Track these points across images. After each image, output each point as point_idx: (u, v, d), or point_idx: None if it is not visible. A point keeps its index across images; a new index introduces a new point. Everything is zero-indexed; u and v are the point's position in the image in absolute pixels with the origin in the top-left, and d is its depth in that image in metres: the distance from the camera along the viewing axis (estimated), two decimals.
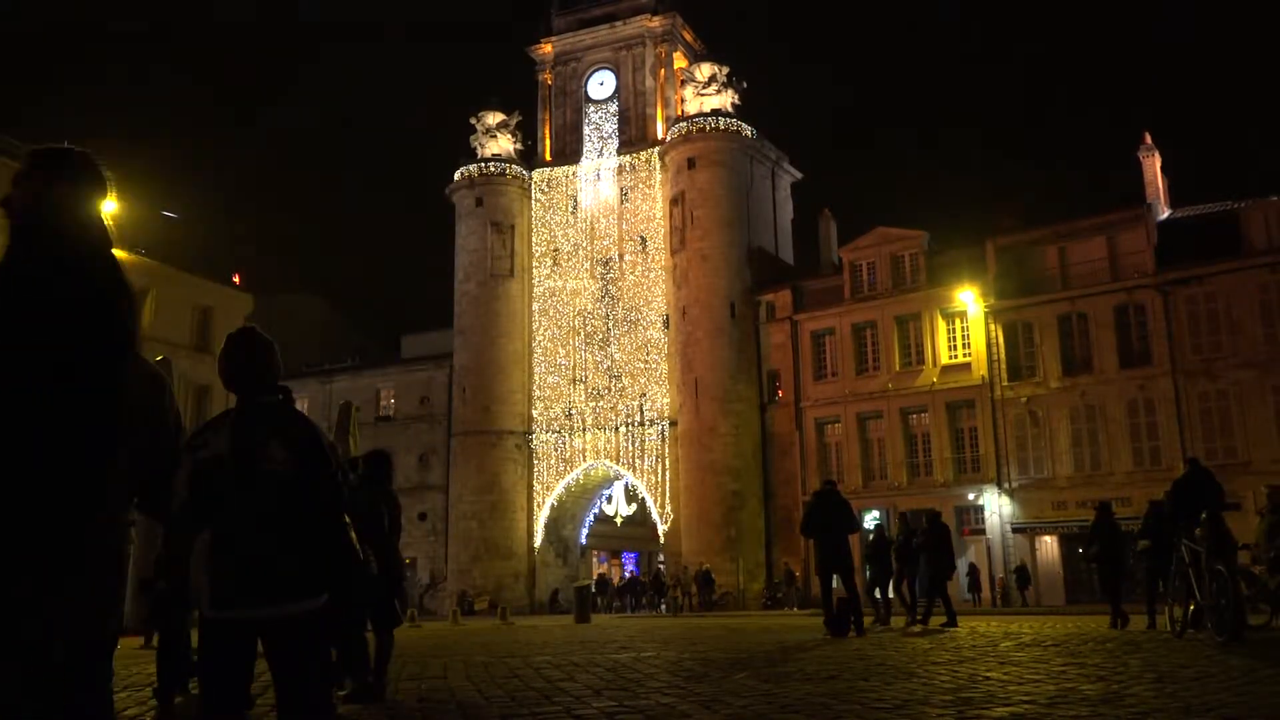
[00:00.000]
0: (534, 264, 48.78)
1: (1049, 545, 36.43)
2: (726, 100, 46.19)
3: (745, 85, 47.17)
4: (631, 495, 47.59)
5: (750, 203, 45.65)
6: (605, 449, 45.73)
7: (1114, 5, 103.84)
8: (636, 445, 45.11)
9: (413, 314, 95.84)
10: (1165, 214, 38.66)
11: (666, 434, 44.38)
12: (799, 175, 50.85)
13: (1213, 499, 11.82)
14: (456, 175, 49.56)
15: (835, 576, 14.09)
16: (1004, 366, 37.37)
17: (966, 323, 38.45)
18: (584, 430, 46.15)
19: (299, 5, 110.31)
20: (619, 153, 48.39)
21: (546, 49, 51.18)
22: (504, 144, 49.85)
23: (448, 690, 7.69)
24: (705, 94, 46.16)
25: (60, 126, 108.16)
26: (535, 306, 48.29)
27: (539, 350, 47.83)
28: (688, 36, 50.82)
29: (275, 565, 3.53)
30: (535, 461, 46.93)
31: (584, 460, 46.15)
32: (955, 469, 38.12)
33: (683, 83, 47.63)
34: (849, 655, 9.92)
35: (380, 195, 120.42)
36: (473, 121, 50.45)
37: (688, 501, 42.48)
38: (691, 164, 44.83)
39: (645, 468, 44.82)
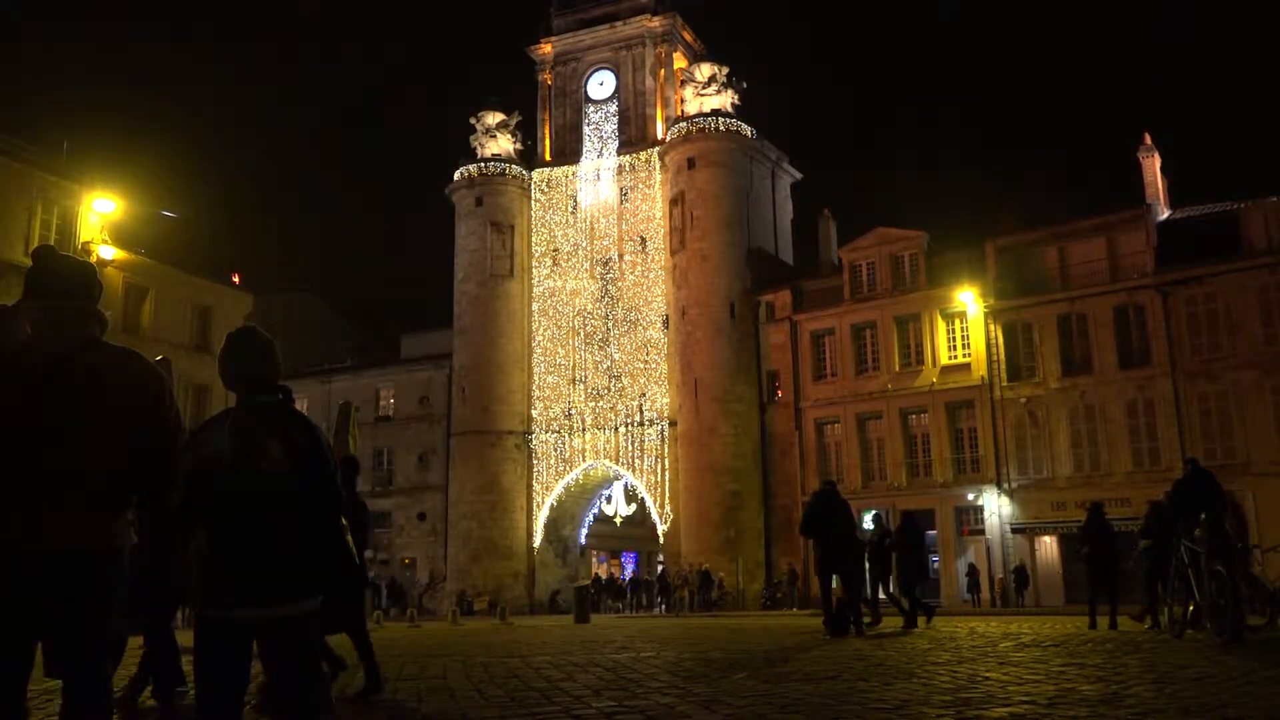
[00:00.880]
0: (534, 264, 48.77)
1: (1048, 546, 36.41)
2: (726, 100, 46.18)
3: (745, 85, 47.18)
4: (631, 495, 47.58)
5: (750, 203, 45.63)
6: (605, 449, 45.72)
7: (1114, 5, 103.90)
8: (636, 445, 45.11)
9: (412, 314, 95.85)
10: (1165, 214, 38.63)
11: (666, 434, 44.37)
12: (799, 175, 50.85)
13: (1212, 500, 11.83)
14: (456, 175, 49.54)
15: (835, 577, 14.12)
16: (1003, 367, 37.36)
17: (966, 323, 38.45)
18: (583, 430, 46.14)
19: (299, 4, 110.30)
20: (619, 153, 48.37)
21: (546, 49, 51.17)
22: (504, 144, 49.83)
23: (447, 690, 7.69)
24: (705, 94, 46.15)
25: (60, 127, 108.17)
26: (535, 306, 48.27)
27: (538, 350, 47.81)
28: (687, 37, 50.82)
29: (274, 566, 3.53)
30: (535, 461, 46.92)
31: (583, 460, 46.14)
32: (955, 469, 38.12)
33: (682, 83, 47.62)
34: (848, 656, 9.92)
35: (380, 195, 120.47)
36: (472, 121, 50.43)
37: (687, 501, 42.48)
38: (691, 164, 44.82)
39: (645, 468, 44.81)
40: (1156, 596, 13.93)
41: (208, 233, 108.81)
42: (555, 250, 48.48)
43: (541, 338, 47.85)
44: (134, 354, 3.52)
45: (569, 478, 46.40)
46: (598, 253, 47.58)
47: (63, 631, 3.20)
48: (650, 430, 44.90)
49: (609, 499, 48.69)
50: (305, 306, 62.80)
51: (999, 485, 36.95)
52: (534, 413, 47.27)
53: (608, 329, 46.63)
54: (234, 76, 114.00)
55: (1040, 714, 5.40)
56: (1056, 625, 15.97)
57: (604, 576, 49.63)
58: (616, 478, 47.15)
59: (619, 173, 48.06)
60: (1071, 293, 36.68)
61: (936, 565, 38.89)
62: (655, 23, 49.38)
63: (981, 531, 37.58)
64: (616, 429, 45.55)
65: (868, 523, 21.00)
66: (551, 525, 47.00)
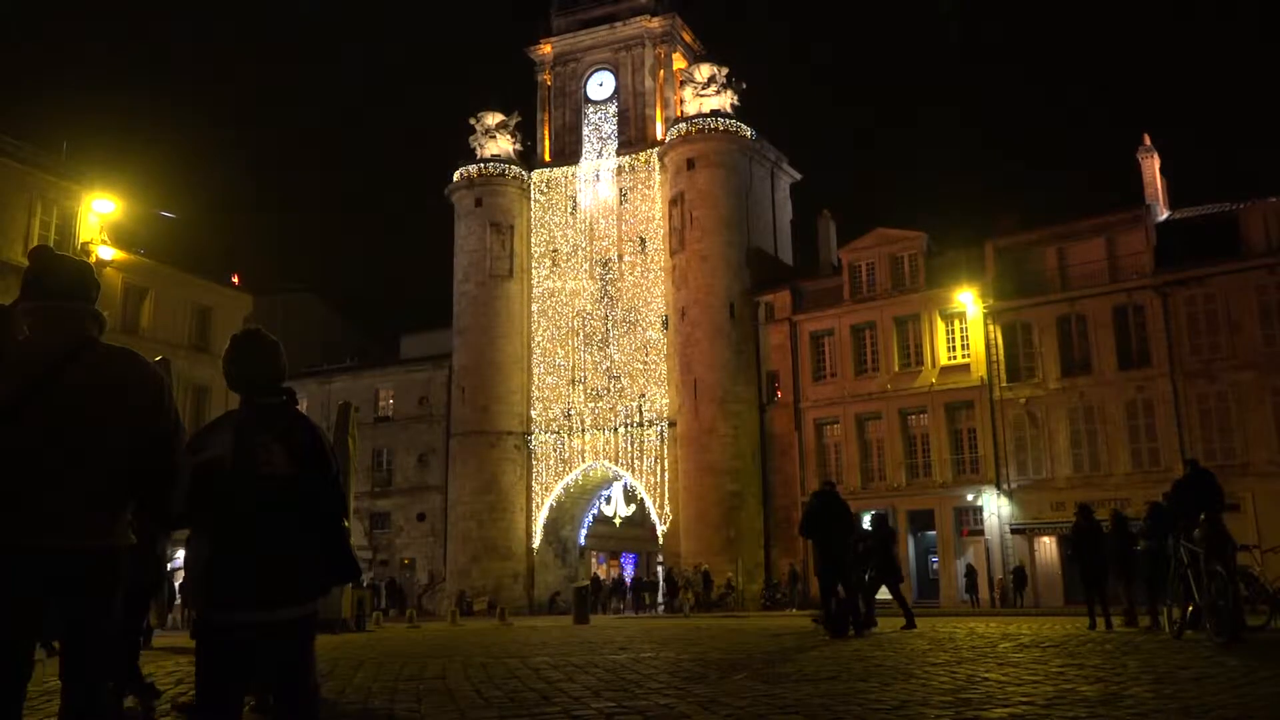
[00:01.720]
0: (533, 264, 48.76)
1: (1047, 546, 36.41)
2: (726, 101, 46.17)
3: (744, 86, 47.17)
4: (630, 496, 47.55)
5: (749, 203, 45.63)
6: (604, 449, 45.71)
7: (1114, 5, 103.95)
8: (635, 446, 45.10)
9: (412, 314, 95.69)
10: (1164, 215, 38.63)
11: (665, 435, 44.36)
12: (798, 176, 50.84)
13: (1212, 500, 11.84)
14: (456, 176, 49.53)
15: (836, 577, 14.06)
16: (1003, 367, 37.37)
17: (965, 324, 38.46)
18: (583, 431, 46.14)
19: (299, 4, 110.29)
20: (618, 153, 48.37)
21: (546, 49, 51.17)
22: (503, 144, 49.82)
23: (446, 691, 7.68)
24: (704, 95, 46.14)
25: (59, 127, 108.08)
26: (534, 307, 48.26)
27: (538, 351, 47.80)
28: (687, 37, 50.83)
29: (276, 569, 3.52)
30: (534, 462, 46.90)
31: (583, 461, 46.13)
32: (954, 470, 38.12)
33: (682, 83, 47.61)
34: (848, 656, 9.92)
35: (380, 195, 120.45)
36: (472, 122, 50.41)
37: (687, 502, 42.47)
38: (691, 165, 44.81)
39: (644, 468, 44.80)
40: (1156, 597, 13.93)
41: (207, 233, 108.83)
42: (555, 251, 48.47)
43: (541, 338, 47.85)
44: (133, 354, 3.52)
45: (568, 478, 46.39)
46: (597, 253, 47.58)
47: (62, 631, 3.20)
48: (650, 431, 44.90)
49: (608, 500, 48.67)
50: (305, 307, 62.71)
51: (998, 486, 36.96)
52: (533, 413, 47.26)
53: (607, 329, 46.62)
54: (234, 76, 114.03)
55: (1039, 714, 5.40)
56: (1056, 626, 15.96)
57: (603, 577, 49.57)
58: (616, 478, 47.14)
59: (618, 173, 48.05)
60: (1071, 293, 36.69)
61: (936, 566, 38.99)
62: (655, 23, 49.38)
63: (981, 532, 37.58)
64: (616, 429, 45.54)
65: (867, 523, 20.99)
66: (551, 526, 46.99)
